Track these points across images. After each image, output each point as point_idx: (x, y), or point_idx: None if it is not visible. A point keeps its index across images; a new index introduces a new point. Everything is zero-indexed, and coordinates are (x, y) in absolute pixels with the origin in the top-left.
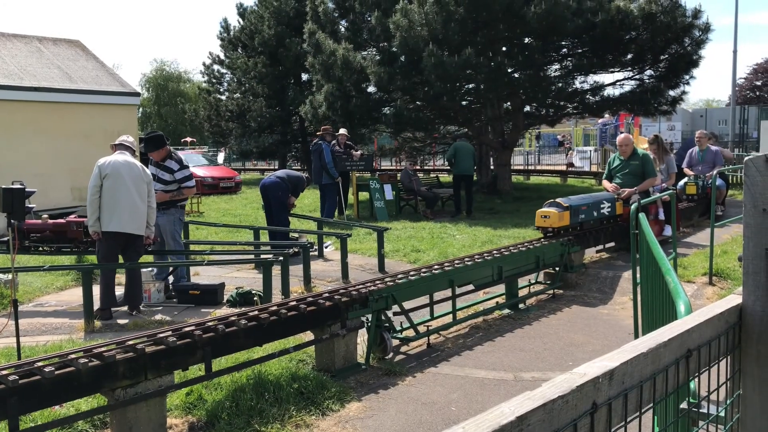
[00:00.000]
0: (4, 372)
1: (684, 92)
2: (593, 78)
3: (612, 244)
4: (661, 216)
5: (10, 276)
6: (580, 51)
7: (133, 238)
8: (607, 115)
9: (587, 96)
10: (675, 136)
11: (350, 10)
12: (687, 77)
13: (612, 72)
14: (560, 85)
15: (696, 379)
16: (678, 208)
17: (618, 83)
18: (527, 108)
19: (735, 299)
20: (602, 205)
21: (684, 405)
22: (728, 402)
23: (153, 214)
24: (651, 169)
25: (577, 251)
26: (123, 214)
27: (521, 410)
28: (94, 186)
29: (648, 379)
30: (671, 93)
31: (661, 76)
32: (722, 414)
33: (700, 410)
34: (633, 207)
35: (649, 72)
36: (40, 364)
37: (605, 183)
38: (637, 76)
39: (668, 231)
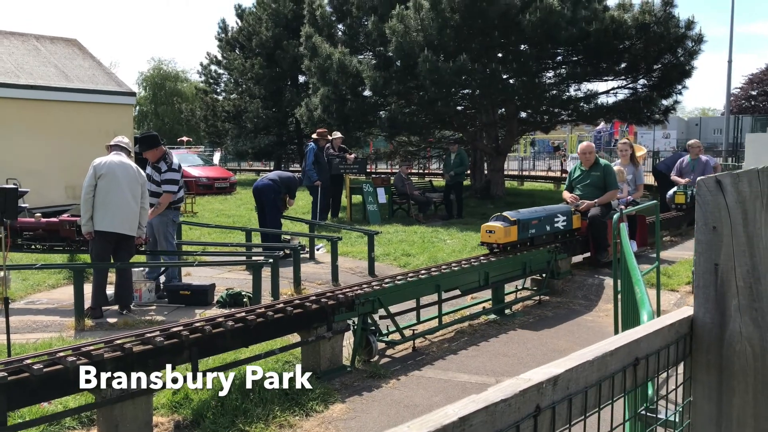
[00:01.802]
0: None
1: (676, 102)
2: (587, 86)
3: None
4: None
5: (1, 274)
6: (574, 59)
7: (124, 238)
8: (602, 123)
9: (581, 104)
10: (670, 144)
11: (347, 14)
12: (680, 87)
13: (606, 80)
14: (554, 92)
15: (653, 385)
16: (645, 222)
17: (612, 91)
18: (522, 114)
19: (687, 311)
20: (556, 219)
21: (642, 410)
22: (680, 407)
23: (145, 215)
24: (613, 181)
25: (563, 258)
26: (116, 213)
27: (464, 411)
28: (88, 186)
29: (594, 385)
30: (664, 102)
31: (654, 85)
32: (673, 419)
33: (656, 415)
34: (615, 217)
35: (642, 81)
36: (29, 361)
37: (565, 194)
38: (630, 85)
39: (633, 247)
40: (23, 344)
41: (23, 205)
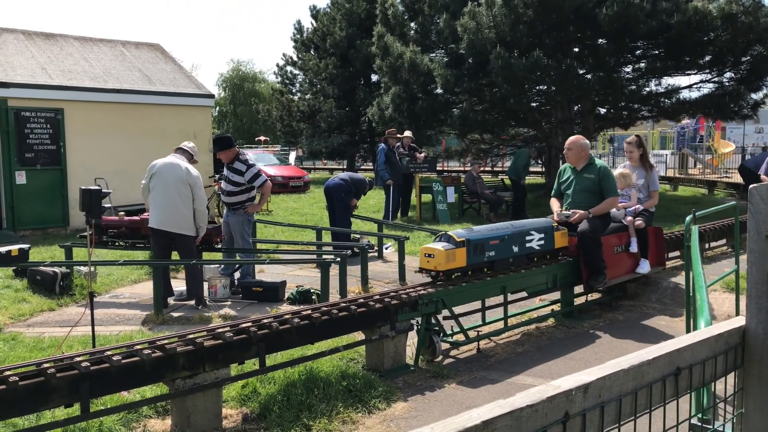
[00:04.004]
0: (79, 359)
1: (767, 95)
2: (668, 80)
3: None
4: (634, 248)
5: (87, 269)
6: (654, 53)
7: (179, 236)
8: (686, 118)
9: (662, 99)
10: (763, 139)
11: (419, 12)
12: None
13: (688, 74)
14: (633, 87)
15: (707, 394)
16: (662, 236)
17: (695, 86)
18: (600, 110)
19: (739, 321)
20: (529, 237)
21: (695, 420)
22: (731, 419)
23: (201, 216)
24: (610, 187)
25: None
26: (158, 212)
27: (488, 416)
28: (146, 181)
29: (629, 393)
30: (753, 96)
31: (742, 78)
32: (722, 430)
33: (708, 426)
34: (688, 219)
35: (728, 74)
36: (109, 353)
37: (552, 201)
38: (715, 79)
39: (644, 267)
40: (107, 336)
41: (107, 205)
